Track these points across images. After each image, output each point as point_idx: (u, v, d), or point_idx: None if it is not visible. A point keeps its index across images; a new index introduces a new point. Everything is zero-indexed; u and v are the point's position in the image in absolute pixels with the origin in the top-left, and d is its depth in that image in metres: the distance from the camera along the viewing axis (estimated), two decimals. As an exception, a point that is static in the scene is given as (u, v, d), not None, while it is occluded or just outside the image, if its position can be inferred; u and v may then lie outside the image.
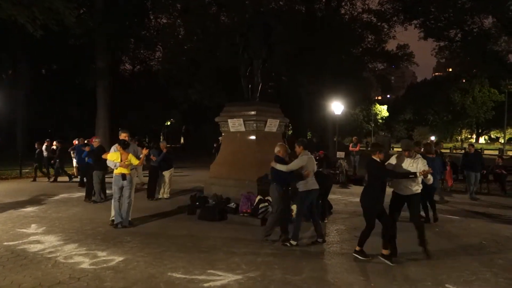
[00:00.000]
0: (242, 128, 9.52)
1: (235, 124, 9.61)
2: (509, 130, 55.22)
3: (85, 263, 5.43)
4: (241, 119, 9.45)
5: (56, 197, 11.15)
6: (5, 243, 6.34)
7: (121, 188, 7.57)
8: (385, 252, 5.74)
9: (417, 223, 6.08)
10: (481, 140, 69.21)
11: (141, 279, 4.89)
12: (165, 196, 11.31)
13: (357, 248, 5.83)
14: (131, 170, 7.72)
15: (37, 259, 5.60)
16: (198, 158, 22.82)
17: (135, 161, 7.74)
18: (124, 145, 7.62)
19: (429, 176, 5.86)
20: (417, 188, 5.96)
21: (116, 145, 7.76)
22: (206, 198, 9.18)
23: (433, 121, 65.12)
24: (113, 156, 7.60)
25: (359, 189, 14.03)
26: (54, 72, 34.08)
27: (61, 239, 6.66)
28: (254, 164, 9.18)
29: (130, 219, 7.71)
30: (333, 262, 5.78)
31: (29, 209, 9.37)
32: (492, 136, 69.25)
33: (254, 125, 9.38)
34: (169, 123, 47.01)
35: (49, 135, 20.29)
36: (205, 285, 4.74)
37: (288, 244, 6.43)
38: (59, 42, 24.78)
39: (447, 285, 4.83)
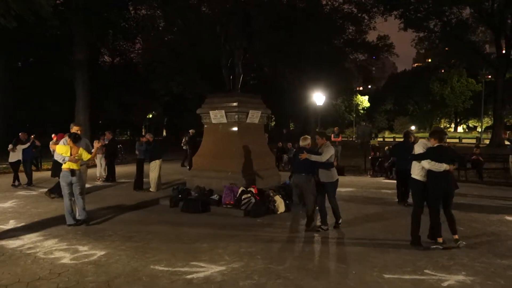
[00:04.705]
0: (224, 120, 9.50)
1: (216, 116, 9.58)
2: (486, 119, 56.46)
3: (66, 258, 5.36)
4: (223, 111, 9.42)
5: (34, 193, 10.96)
6: (-17, 240, 6.21)
7: (70, 185, 7.05)
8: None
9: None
10: (459, 129, 70.56)
11: (123, 272, 4.86)
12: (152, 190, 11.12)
13: (439, 240, 5.96)
14: (81, 165, 7.32)
15: (16, 255, 5.50)
16: (180, 151, 22.63)
17: (86, 156, 7.24)
18: (75, 139, 7.11)
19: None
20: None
21: (66, 137, 7.29)
22: (188, 190, 9.16)
23: (413, 111, 66.19)
24: (62, 149, 7.06)
25: (340, 179, 14.20)
26: (31, 65, 33.22)
27: (41, 234, 6.55)
28: (237, 156, 9.19)
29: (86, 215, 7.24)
30: (315, 250, 5.85)
31: (7, 204, 9.18)
32: (470, 125, 70.60)
33: (236, 116, 9.37)
34: (151, 115, 46.54)
35: (27, 129, 19.77)
36: (188, 277, 4.74)
37: (320, 230, 6.87)
38: (36, 34, 24.11)
39: (426, 271, 4.94)
